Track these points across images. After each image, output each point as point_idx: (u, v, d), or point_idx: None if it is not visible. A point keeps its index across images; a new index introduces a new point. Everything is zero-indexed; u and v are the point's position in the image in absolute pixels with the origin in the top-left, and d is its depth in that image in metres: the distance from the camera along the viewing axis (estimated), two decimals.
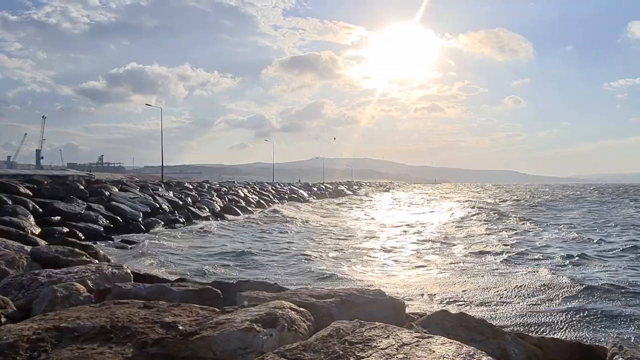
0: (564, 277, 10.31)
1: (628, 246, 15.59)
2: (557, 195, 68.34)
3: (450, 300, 8.65)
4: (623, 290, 9.14)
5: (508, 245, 16.36)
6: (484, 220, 26.68)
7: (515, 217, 28.58)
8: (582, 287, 9.27)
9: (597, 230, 21.81)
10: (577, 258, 13.16)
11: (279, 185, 59.15)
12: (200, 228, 21.43)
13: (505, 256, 13.63)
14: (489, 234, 20.08)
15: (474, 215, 30.43)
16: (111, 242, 16.08)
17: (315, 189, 64.26)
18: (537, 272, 11.02)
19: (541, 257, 13.51)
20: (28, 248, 6.76)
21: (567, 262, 12.76)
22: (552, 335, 6.18)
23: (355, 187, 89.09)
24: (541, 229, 21.79)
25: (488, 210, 33.36)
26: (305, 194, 53.20)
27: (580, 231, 20.89)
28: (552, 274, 10.71)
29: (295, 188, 57.38)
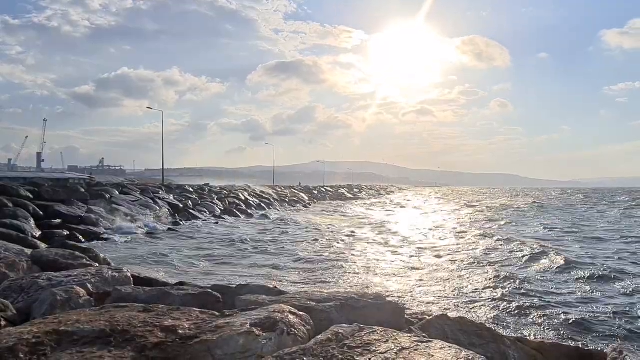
0: None
1: None
2: None
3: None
4: None
5: None
6: None
7: None
8: None
9: None
10: None
11: (280, 188, 59.13)
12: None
13: None
14: None
15: None
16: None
17: (316, 192, 64.26)
18: None
19: None
20: (28, 251, 6.76)
21: None
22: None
23: (355, 190, 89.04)
24: None
25: None
26: (306, 198, 53.24)
27: None
28: None
29: (296, 191, 57.39)
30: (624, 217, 31.42)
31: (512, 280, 10.34)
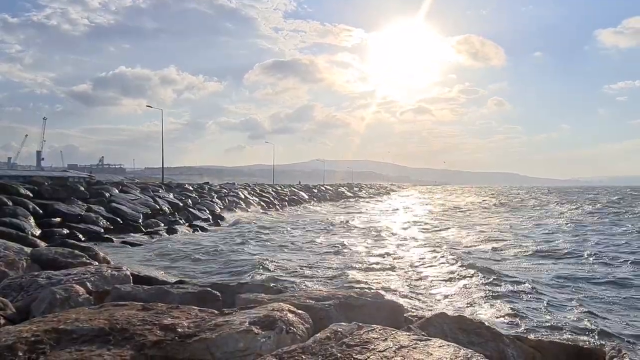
0: None
1: None
2: None
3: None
4: None
5: None
6: None
7: None
8: None
9: None
10: None
11: (279, 187, 59.13)
12: None
13: None
14: None
15: None
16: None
17: (315, 191, 64.26)
18: None
19: None
20: (28, 250, 6.77)
21: None
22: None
23: (355, 189, 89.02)
24: None
25: None
26: (306, 196, 53.24)
27: None
28: None
29: (296, 190, 57.37)
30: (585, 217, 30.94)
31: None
